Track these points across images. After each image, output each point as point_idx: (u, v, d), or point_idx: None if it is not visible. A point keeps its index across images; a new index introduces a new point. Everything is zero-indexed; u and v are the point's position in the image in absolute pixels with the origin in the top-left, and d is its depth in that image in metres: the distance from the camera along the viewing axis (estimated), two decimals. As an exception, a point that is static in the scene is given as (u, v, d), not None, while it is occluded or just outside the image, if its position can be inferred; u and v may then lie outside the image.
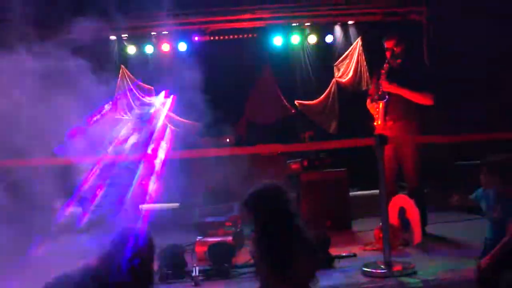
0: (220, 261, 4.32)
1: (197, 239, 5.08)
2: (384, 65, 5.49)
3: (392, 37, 5.56)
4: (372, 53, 10.32)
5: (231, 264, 4.36)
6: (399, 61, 5.52)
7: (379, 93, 5.45)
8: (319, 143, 6.43)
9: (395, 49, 5.47)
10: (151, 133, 6.94)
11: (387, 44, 5.53)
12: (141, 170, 5.83)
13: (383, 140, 4.11)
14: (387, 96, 5.40)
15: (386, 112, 5.44)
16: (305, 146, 6.98)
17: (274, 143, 8.24)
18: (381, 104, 5.44)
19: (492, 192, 3.79)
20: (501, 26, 7.92)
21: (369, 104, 5.73)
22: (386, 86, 5.39)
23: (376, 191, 5.78)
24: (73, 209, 5.35)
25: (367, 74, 10.62)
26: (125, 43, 11.27)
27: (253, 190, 2.56)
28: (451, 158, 8.94)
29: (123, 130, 7.42)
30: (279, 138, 9.86)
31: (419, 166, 5.40)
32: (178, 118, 11.33)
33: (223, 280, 4.17)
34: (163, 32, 11.09)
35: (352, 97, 10.49)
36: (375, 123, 5.53)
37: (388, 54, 5.51)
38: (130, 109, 11.26)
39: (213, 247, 4.47)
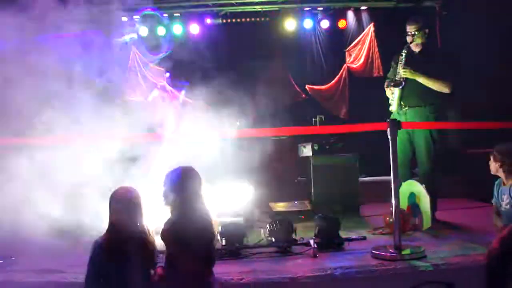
0: (231, 241, 4.37)
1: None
2: (404, 50, 5.45)
3: (416, 21, 5.48)
4: (385, 39, 10.30)
5: (243, 244, 4.41)
6: (420, 46, 5.48)
7: (396, 79, 5.41)
8: (331, 126, 6.41)
9: (417, 33, 5.42)
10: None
11: (410, 28, 5.45)
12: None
13: (396, 125, 4.12)
14: (403, 83, 5.37)
15: (401, 98, 5.42)
16: (317, 129, 6.99)
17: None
18: (397, 90, 5.41)
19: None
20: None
21: (387, 88, 5.66)
22: (404, 72, 5.34)
23: (384, 178, 5.83)
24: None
25: (379, 60, 10.59)
26: (137, 25, 11.27)
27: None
28: (462, 145, 8.94)
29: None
30: (289, 122, 9.89)
31: (432, 153, 5.40)
32: (189, 100, 11.37)
33: (235, 260, 4.22)
34: (175, 14, 11.08)
35: (363, 83, 10.49)
36: (390, 109, 5.52)
37: (409, 38, 5.45)
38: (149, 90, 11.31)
39: (225, 227, 4.51)
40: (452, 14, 9.64)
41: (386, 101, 5.69)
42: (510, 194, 3.77)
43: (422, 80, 5.32)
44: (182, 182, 3.16)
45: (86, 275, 3.14)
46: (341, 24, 11.09)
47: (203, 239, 3.08)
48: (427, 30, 5.51)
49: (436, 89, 5.34)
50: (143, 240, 3.21)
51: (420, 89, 5.35)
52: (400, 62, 5.42)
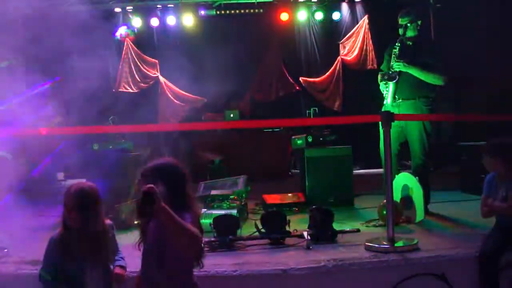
0: (225, 233, 4.37)
1: (202, 211, 5.13)
2: (397, 43, 5.44)
3: (408, 13, 5.48)
4: (379, 32, 10.30)
5: (236, 236, 4.41)
6: (412, 39, 5.48)
7: (390, 73, 5.41)
8: (325, 118, 6.43)
9: (409, 26, 5.41)
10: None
11: (402, 21, 5.45)
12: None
13: (389, 117, 4.12)
14: (397, 77, 5.37)
15: (395, 91, 5.43)
16: (311, 121, 7.00)
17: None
18: (392, 84, 5.41)
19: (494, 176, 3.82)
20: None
21: (381, 81, 5.65)
22: (397, 66, 5.34)
23: (378, 170, 5.84)
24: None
25: (373, 53, 10.61)
26: (130, 16, 11.20)
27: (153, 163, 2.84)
28: (453, 138, 8.98)
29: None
30: (283, 114, 9.90)
31: (426, 145, 5.41)
32: (183, 92, 11.33)
33: (228, 252, 4.22)
34: (169, 5, 11.02)
35: (357, 75, 10.50)
36: (384, 102, 5.51)
37: (401, 31, 5.44)
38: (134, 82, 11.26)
39: (218, 219, 4.51)
40: (446, 7, 9.65)
41: (379, 93, 5.68)
42: (506, 189, 3.76)
43: (415, 72, 5.31)
44: None
45: (40, 269, 3.09)
46: (335, 16, 11.07)
47: None
48: (419, 22, 5.51)
49: (429, 82, 5.34)
50: (100, 237, 3.11)
51: (414, 82, 5.35)
52: (393, 55, 5.42)
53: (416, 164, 5.46)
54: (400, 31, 5.46)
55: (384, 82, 5.47)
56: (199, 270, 2.84)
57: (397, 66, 5.34)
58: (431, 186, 5.56)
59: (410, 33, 5.44)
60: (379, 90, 5.66)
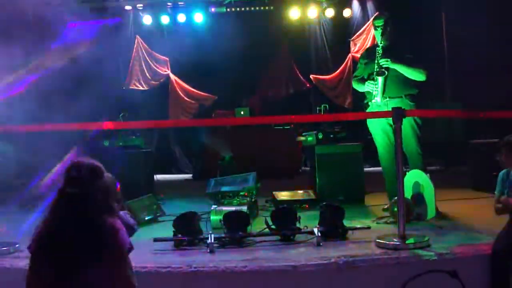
0: (235, 229, 4.37)
1: (212, 208, 5.14)
2: (380, 44, 5.52)
3: (383, 15, 5.65)
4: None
5: (246, 232, 4.41)
6: (390, 39, 5.51)
7: (378, 69, 5.43)
8: (336, 114, 6.39)
9: (385, 27, 5.49)
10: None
11: (378, 22, 5.57)
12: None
13: (400, 113, 4.09)
14: (386, 72, 5.38)
15: (384, 89, 5.45)
16: (322, 117, 6.98)
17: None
18: (381, 79, 5.42)
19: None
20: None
21: (356, 84, 5.81)
22: (386, 62, 5.37)
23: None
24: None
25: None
26: (141, 13, 11.24)
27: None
28: (465, 136, 8.93)
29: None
30: (293, 112, 9.88)
31: (420, 137, 5.46)
32: (193, 90, 11.37)
33: (238, 248, 4.21)
34: (179, 3, 11.04)
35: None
36: (372, 101, 5.51)
37: (377, 33, 5.56)
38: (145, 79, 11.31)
39: (228, 215, 4.51)
40: (456, 3, 9.58)
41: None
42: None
43: (401, 68, 5.36)
44: None
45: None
46: (346, 13, 11.04)
47: None
48: (393, 24, 5.58)
49: (413, 78, 5.40)
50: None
51: (400, 79, 5.41)
52: (378, 54, 5.46)
53: (414, 159, 5.45)
54: (377, 32, 5.57)
55: (373, 79, 5.48)
56: (209, 266, 2.81)
57: (385, 62, 5.35)
58: (442, 184, 5.53)
59: (386, 34, 5.51)
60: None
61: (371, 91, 5.51)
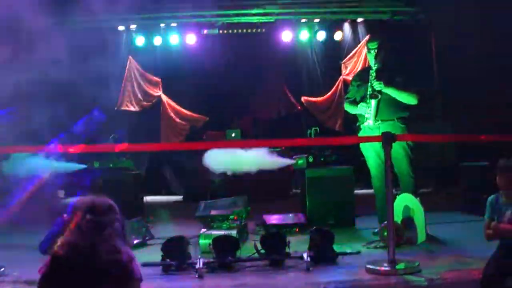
0: (224, 254, 4.33)
1: (202, 232, 5.09)
2: (374, 66, 5.52)
3: (376, 39, 5.68)
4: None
5: (235, 257, 4.36)
6: (382, 62, 5.52)
7: (371, 92, 5.45)
8: (326, 138, 6.40)
9: (378, 50, 5.50)
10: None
11: (371, 45, 5.59)
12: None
13: (390, 137, 4.10)
14: (379, 95, 5.40)
15: (377, 112, 5.46)
16: (312, 141, 6.97)
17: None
18: (374, 102, 5.43)
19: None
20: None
21: (347, 106, 5.81)
22: (379, 85, 5.39)
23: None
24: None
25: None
26: (134, 34, 11.27)
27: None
28: (455, 160, 8.95)
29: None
30: (284, 134, 9.88)
31: (412, 160, 5.46)
32: (184, 111, 11.35)
33: (227, 273, 4.17)
34: (172, 24, 11.09)
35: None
36: (365, 124, 5.52)
37: (371, 56, 5.58)
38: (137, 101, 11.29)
39: (217, 240, 4.47)
40: (445, 27, 9.69)
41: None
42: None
43: (393, 92, 5.39)
44: None
45: None
46: (337, 36, 11.13)
47: None
48: (388, 46, 5.63)
49: (404, 101, 5.42)
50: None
51: (391, 103, 5.43)
52: (371, 77, 5.47)
53: (406, 182, 5.45)
54: (369, 55, 5.60)
55: (366, 103, 5.49)
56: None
57: (378, 85, 5.37)
58: (433, 207, 5.52)
59: (379, 57, 5.51)
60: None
61: (364, 113, 5.52)
